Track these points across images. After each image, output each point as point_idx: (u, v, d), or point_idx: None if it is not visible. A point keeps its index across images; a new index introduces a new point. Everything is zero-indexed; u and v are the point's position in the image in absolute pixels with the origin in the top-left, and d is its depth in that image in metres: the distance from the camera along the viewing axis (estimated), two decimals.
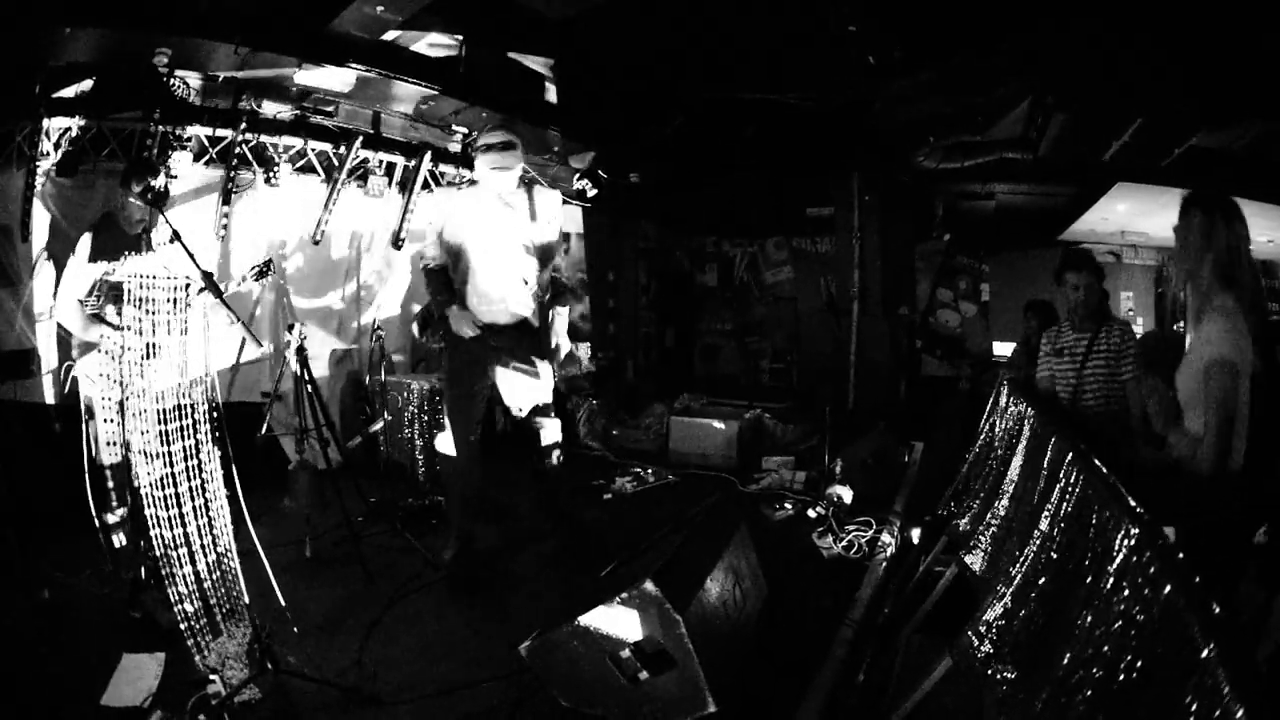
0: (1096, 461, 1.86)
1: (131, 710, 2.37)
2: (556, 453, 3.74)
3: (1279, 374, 2.40)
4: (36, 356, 4.25)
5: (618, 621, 2.32)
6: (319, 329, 5.63)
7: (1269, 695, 0.94)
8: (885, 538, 3.97)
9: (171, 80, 4.20)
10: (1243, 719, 0.94)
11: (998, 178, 6.73)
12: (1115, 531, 1.50)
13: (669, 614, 2.23)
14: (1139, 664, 1.26)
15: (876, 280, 7.20)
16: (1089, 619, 1.48)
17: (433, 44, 4.48)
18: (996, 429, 3.34)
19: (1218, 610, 1.11)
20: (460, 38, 4.50)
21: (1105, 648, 1.37)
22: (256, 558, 2.76)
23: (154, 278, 2.53)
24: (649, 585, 2.25)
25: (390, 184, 6.00)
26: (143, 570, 2.92)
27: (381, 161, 5.85)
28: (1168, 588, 1.24)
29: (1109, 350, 3.43)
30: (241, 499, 2.61)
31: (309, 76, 4.31)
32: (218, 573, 2.54)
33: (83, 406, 3.15)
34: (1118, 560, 1.45)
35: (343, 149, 5.47)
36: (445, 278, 3.60)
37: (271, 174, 5.20)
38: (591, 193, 6.60)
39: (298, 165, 5.40)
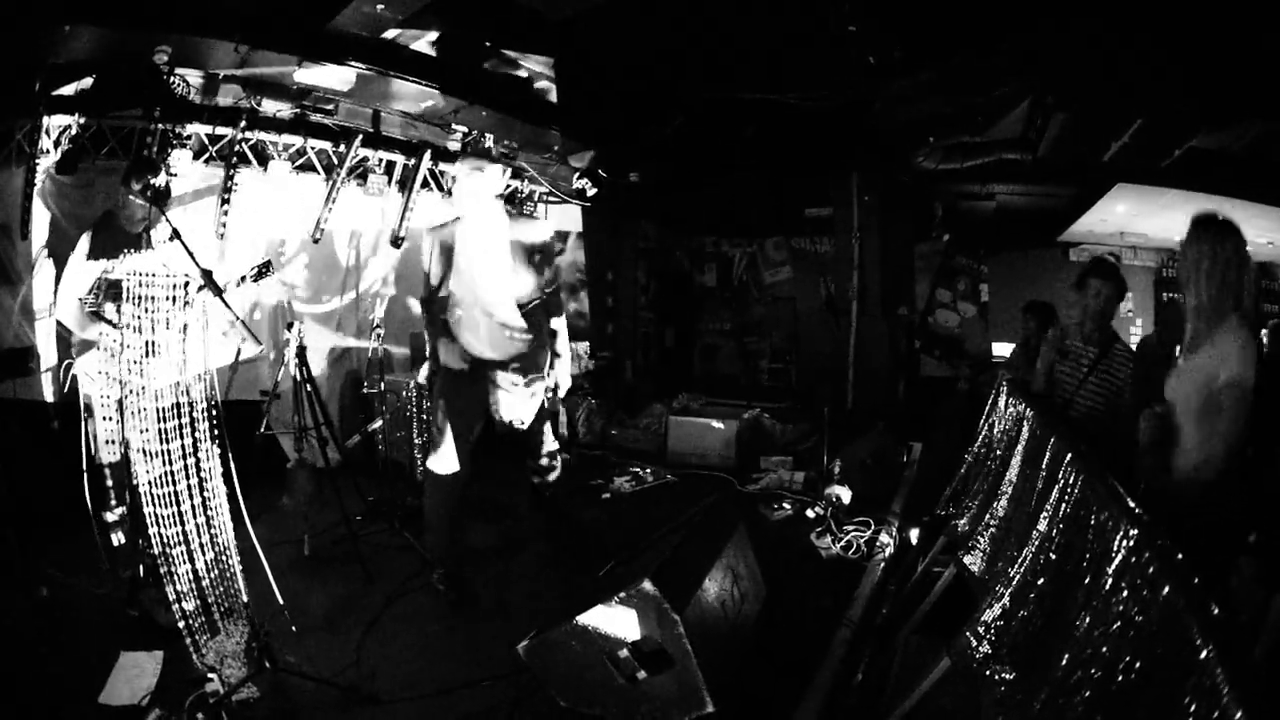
0: (1096, 462, 1.86)
1: (130, 709, 2.37)
2: (555, 462, 3.69)
3: (1274, 381, 2.48)
4: (35, 354, 4.24)
5: (616, 621, 2.32)
6: (318, 327, 5.63)
7: (1268, 696, 0.94)
8: (884, 538, 3.97)
9: (171, 78, 4.19)
10: (1242, 719, 0.94)
11: (997, 178, 6.73)
12: (1114, 532, 1.50)
13: (667, 614, 2.23)
14: (1138, 665, 1.26)
15: (875, 280, 7.20)
16: (1088, 620, 1.48)
17: (433, 43, 4.47)
18: (995, 429, 3.34)
19: (1217, 611, 1.11)
20: (460, 38, 4.49)
21: (1104, 648, 1.37)
22: (255, 556, 2.75)
23: (153, 276, 2.53)
24: (647, 585, 2.25)
25: (390, 182, 6.00)
26: (141, 569, 2.92)
27: (381, 160, 5.85)
28: (1167, 588, 1.24)
29: (1109, 375, 3.44)
30: (240, 497, 2.61)
31: (309, 75, 4.30)
32: (216, 571, 2.54)
33: (82, 405, 3.14)
34: (1116, 561, 1.45)
35: (342, 147, 5.47)
36: (436, 315, 3.42)
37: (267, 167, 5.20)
38: (591, 192, 6.59)
39: (297, 163, 5.40)
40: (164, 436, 2.46)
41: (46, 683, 2.54)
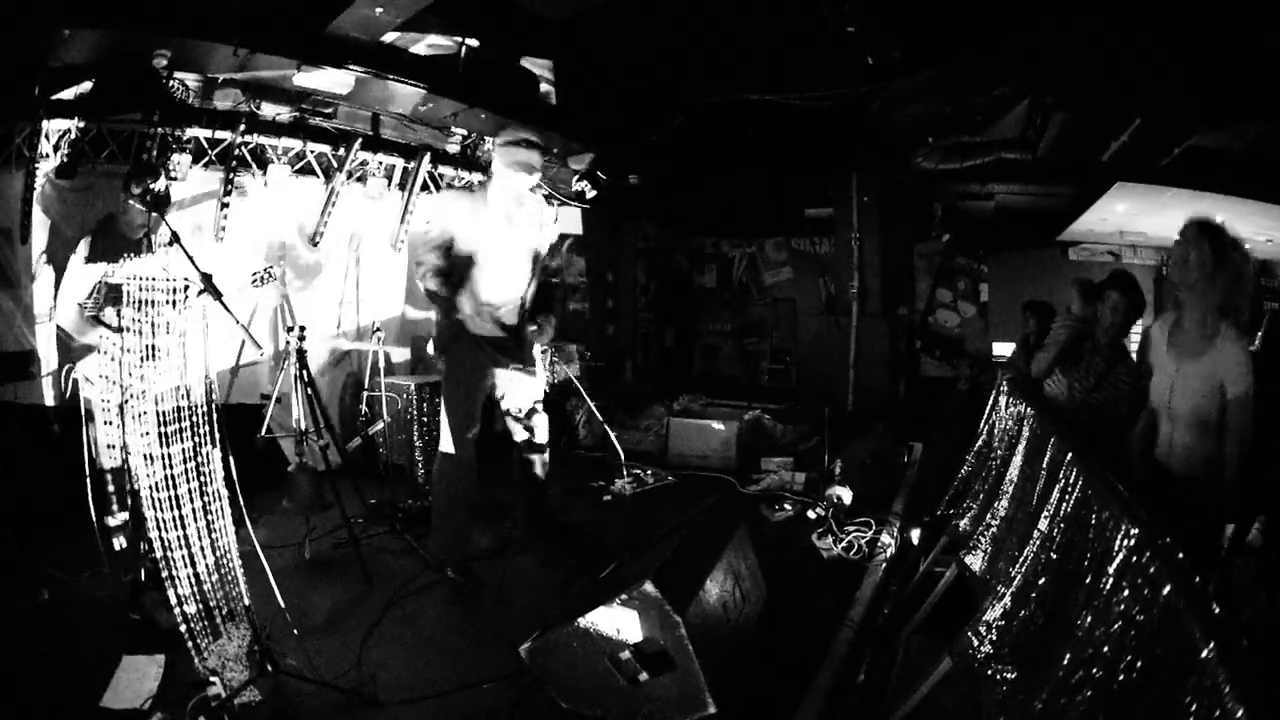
0: (1096, 462, 1.86)
1: (131, 712, 2.37)
2: (543, 456, 3.75)
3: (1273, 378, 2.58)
4: (36, 358, 4.24)
5: (617, 622, 2.32)
6: (318, 330, 5.63)
7: (1269, 696, 0.94)
8: (885, 538, 3.97)
9: (171, 82, 4.19)
10: (1243, 719, 0.94)
11: (997, 178, 6.74)
12: (1115, 532, 1.50)
13: (669, 615, 2.23)
14: (1139, 664, 1.26)
15: (875, 280, 7.21)
16: (1089, 619, 1.48)
17: (431, 45, 4.48)
18: (996, 429, 3.35)
19: (1217, 610, 1.11)
20: (460, 39, 4.50)
21: (1105, 648, 1.37)
22: (256, 559, 2.75)
23: (153, 280, 2.53)
24: (649, 586, 2.25)
25: (389, 185, 6.00)
26: (143, 572, 2.92)
27: (381, 163, 5.85)
28: (1167, 588, 1.24)
29: (1114, 390, 3.49)
30: (241, 501, 2.61)
31: (308, 78, 4.31)
32: (217, 574, 2.54)
33: (82, 409, 3.14)
34: (1117, 560, 1.45)
35: (342, 150, 5.47)
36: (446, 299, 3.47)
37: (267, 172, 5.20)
38: (590, 194, 6.60)
39: (297, 167, 5.40)
40: (165, 440, 2.46)
41: (47, 684, 2.54)
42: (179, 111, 4.55)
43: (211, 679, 2.34)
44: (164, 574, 2.42)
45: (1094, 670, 1.38)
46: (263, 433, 3.81)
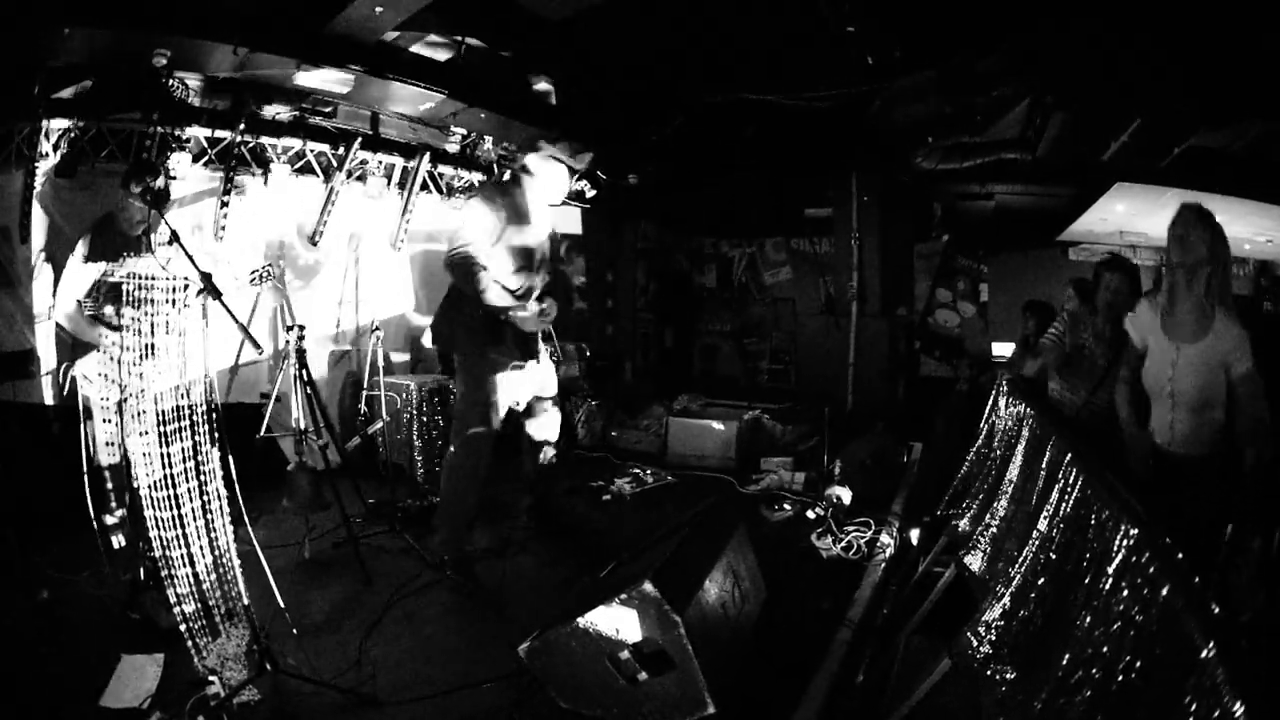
0: (1096, 462, 1.86)
1: (131, 711, 2.37)
2: (550, 450, 3.75)
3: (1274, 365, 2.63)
4: (35, 357, 4.24)
5: (617, 622, 2.32)
6: (317, 330, 5.63)
7: (1269, 695, 0.94)
8: (884, 538, 3.97)
9: (170, 81, 4.19)
10: (1242, 719, 0.94)
11: (997, 178, 6.73)
12: (1114, 532, 1.50)
13: (668, 615, 2.23)
14: (1138, 664, 1.26)
15: (875, 280, 7.21)
16: (1088, 619, 1.48)
17: (430, 43, 4.47)
18: (995, 429, 3.35)
19: (1217, 610, 1.11)
20: (460, 38, 4.49)
21: (1104, 648, 1.37)
22: (255, 559, 2.75)
23: (152, 278, 2.53)
24: (648, 586, 2.25)
25: (389, 185, 6.00)
26: (142, 571, 2.92)
27: (380, 162, 5.84)
28: (1167, 588, 1.24)
29: (1113, 391, 3.46)
30: (240, 500, 2.60)
31: (308, 77, 4.30)
32: (216, 574, 2.54)
33: (81, 408, 3.14)
34: (1117, 561, 1.45)
35: (342, 150, 5.47)
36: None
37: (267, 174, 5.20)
38: (590, 194, 6.59)
39: (296, 166, 5.39)
40: (164, 439, 2.46)
41: (46, 684, 2.54)
42: (178, 110, 4.54)
43: (210, 678, 2.34)
44: (163, 573, 2.42)
45: (1093, 670, 1.38)
46: (262, 432, 3.81)
